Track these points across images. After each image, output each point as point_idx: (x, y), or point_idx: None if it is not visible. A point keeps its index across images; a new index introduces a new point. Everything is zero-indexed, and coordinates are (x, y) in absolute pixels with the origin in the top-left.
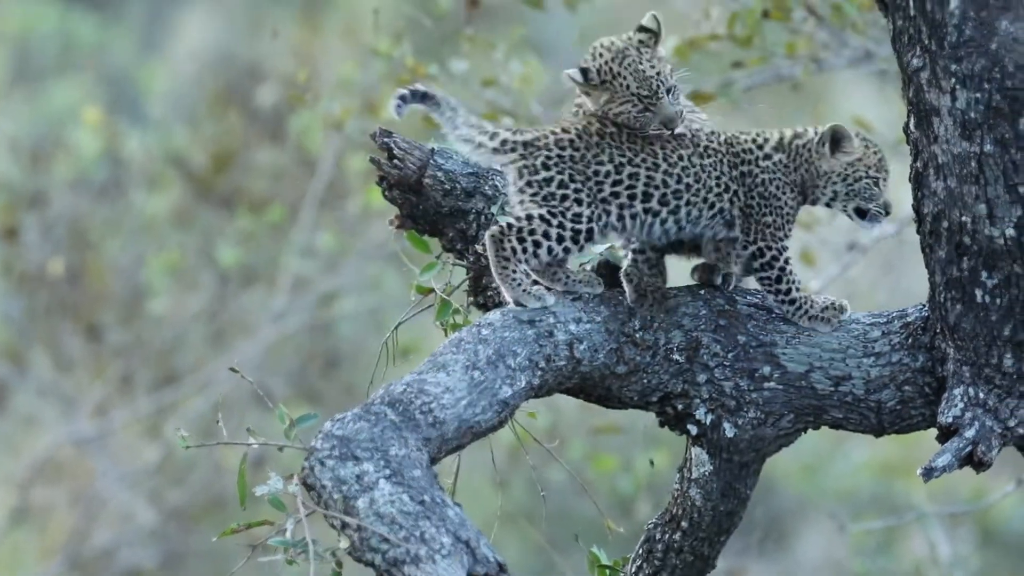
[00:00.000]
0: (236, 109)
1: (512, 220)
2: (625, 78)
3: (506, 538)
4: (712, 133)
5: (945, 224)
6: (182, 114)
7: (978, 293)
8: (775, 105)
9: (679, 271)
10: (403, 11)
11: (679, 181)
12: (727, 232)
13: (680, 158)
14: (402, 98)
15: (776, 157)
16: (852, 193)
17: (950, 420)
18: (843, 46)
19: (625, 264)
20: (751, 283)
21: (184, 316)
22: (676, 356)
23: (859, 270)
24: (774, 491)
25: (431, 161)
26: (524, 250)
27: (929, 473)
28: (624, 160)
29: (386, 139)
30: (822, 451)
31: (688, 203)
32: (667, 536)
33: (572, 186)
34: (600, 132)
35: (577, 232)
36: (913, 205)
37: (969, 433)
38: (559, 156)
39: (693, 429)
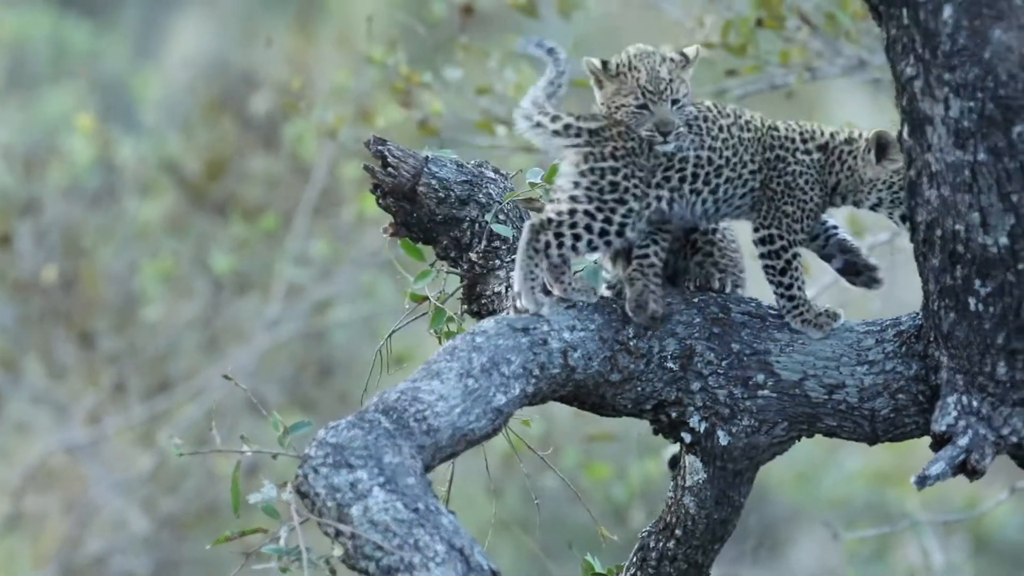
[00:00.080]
0: (230, 116)
1: (554, 214)
2: (639, 71)
3: (500, 546)
4: (757, 115)
5: (939, 232)
6: (176, 121)
7: (971, 301)
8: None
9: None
10: (397, 19)
11: (720, 155)
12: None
13: (721, 129)
14: (538, 44)
15: (816, 155)
16: (898, 200)
17: (944, 428)
18: (837, 55)
19: (630, 269)
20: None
21: (177, 323)
22: (670, 364)
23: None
24: (768, 499)
25: (425, 169)
26: (560, 244)
27: (923, 481)
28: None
29: (380, 147)
30: (816, 459)
31: (726, 180)
32: (661, 544)
33: (632, 181)
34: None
35: (622, 226)
36: (907, 214)
37: (963, 441)
38: (624, 147)
39: (687, 437)
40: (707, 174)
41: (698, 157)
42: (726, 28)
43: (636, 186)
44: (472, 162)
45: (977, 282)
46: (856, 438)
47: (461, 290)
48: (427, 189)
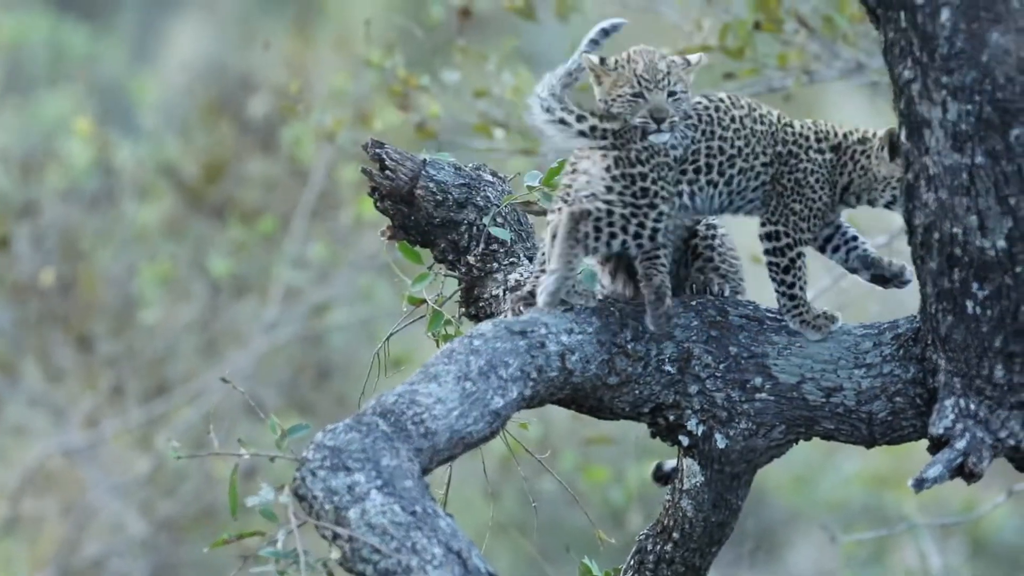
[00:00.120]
0: (228, 120)
1: (594, 208)
2: (636, 62)
3: (498, 549)
4: (775, 111)
5: (936, 236)
6: (174, 124)
7: (969, 304)
8: None
9: None
10: (395, 22)
11: (732, 145)
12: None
13: (733, 119)
14: (604, 30)
15: (828, 155)
16: None
17: (941, 431)
18: (835, 58)
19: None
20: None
21: (176, 326)
22: (668, 367)
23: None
24: (765, 502)
25: (423, 172)
26: (597, 239)
27: (920, 484)
28: (689, 134)
29: (378, 150)
30: (813, 462)
31: (740, 171)
32: (658, 547)
33: (659, 184)
34: None
35: (655, 231)
36: (904, 216)
37: (960, 444)
38: (647, 148)
39: (684, 440)
40: (720, 164)
41: (709, 147)
42: (724, 31)
43: (663, 188)
44: (470, 165)
45: (975, 285)
46: (854, 441)
47: (459, 293)
48: (425, 192)
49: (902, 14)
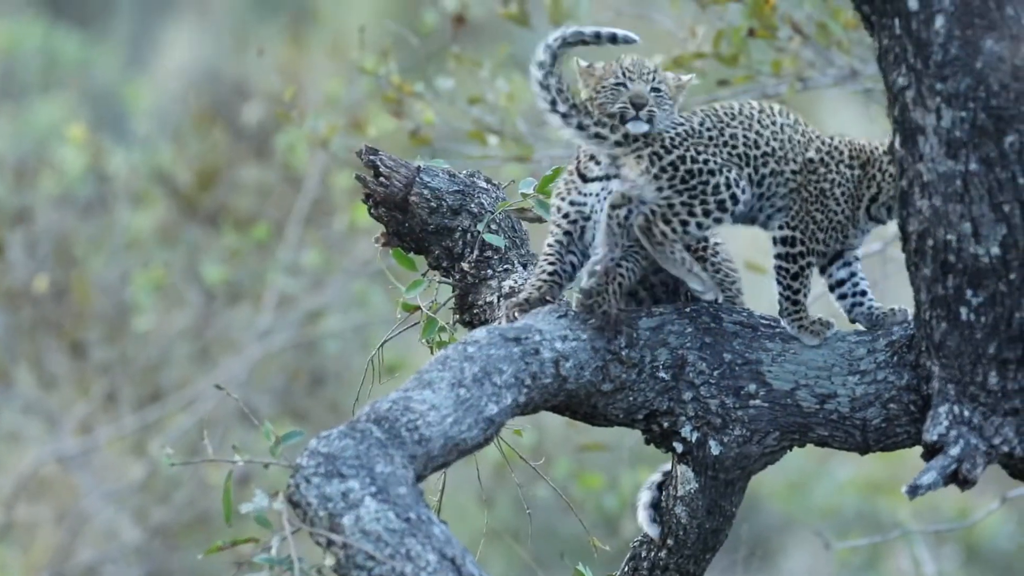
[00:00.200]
0: (221, 126)
1: (655, 207)
2: (624, 60)
3: (492, 556)
4: (818, 131)
5: (930, 242)
6: (167, 131)
7: (963, 311)
8: None
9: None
10: (389, 29)
11: (768, 143)
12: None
13: (772, 123)
14: (613, 35)
15: (857, 171)
16: None
17: (935, 438)
18: (829, 65)
19: (591, 281)
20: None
21: (169, 333)
22: (662, 374)
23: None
24: (759, 508)
25: (417, 179)
26: (673, 230)
27: (914, 491)
28: (724, 125)
29: (372, 157)
30: (807, 469)
31: (772, 172)
32: (653, 554)
33: (701, 157)
34: (704, 109)
35: (721, 202)
36: (899, 223)
37: (954, 451)
38: (677, 134)
39: (679, 447)
40: (755, 158)
41: (746, 137)
42: (718, 38)
43: (710, 160)
44: (464, 172)
45: (969, 292)
46: (848, 448)
47: (453, 300)
48: (419, 199)
49: (896, 21)
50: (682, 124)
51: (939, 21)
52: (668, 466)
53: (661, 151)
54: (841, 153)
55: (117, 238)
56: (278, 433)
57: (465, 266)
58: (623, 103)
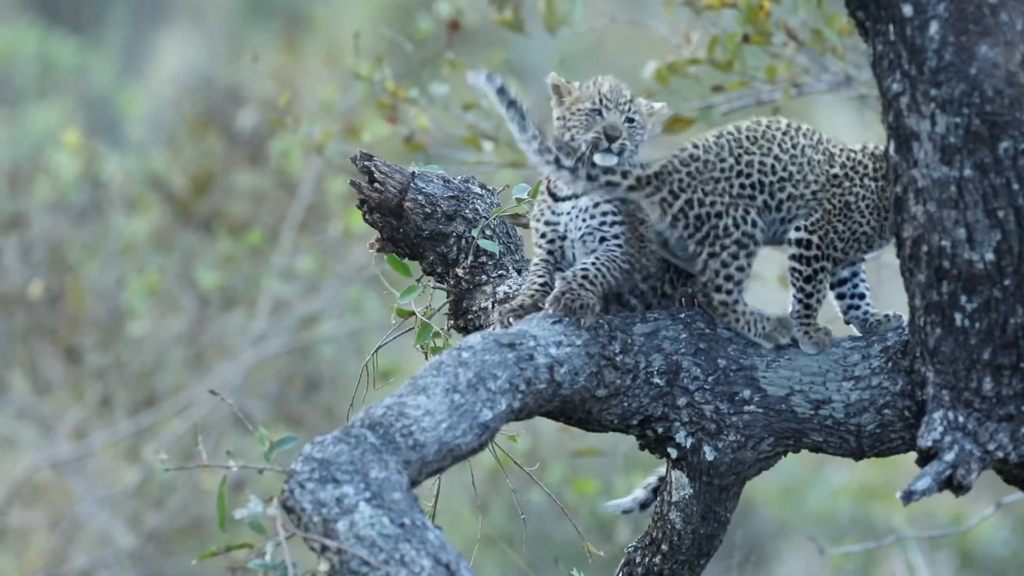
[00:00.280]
0: (216, 132)
1: (702, 280)
2: (601, 83)
3: (486, 561)
4: (833, 141)
5: (925, 248)
6: (162, 137)
7: (957, 317)
8: None
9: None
10: (383, 35)
11: (785, 168)
12: None
13: (793, 145)
14: (488, 78)
15: (880, 182)
16: None
17: (930, 444)
18: (823, 71)
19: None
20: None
21: (164, 339)
22: (656, 379)
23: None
24: (754, 514)
25: (412, 184)
26: (728, 291)
27: (909, 496)
28: (742, 151)
29: (367, 162)
30: (802, 474)
31: (790, 196)
32: (647, 559)
33: (708, 200)
34: (718, 135)
35: (738, 241)
36: (891, 231)
37: (948, 457)
38: (687, 174)
39: (673, 452)
40: (770, 184)
41: (762, 164)
42: (712, 44)
43: (713, 203)
44: (459, 177)
45: (963, 298)
46: (842, 453)
47: (447, 305)
48: (414, 204)
49: (891, 27)
50: (695, 157)
51: (933, 27)
52: (663, 470)
53: (670, 197)
54: (865, 167)
55: (112, 243)
56: (272, 438)
57: (459, 272)
58: (596, 133)
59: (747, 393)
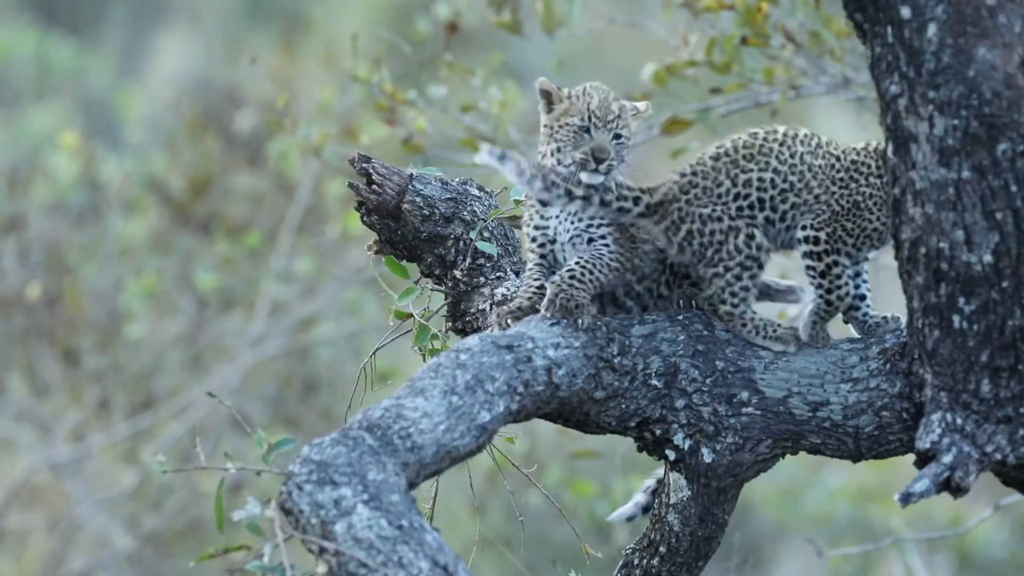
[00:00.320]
0: (214, 134)
1: (707, 293)
2: (591, 96)
3: (484, 563)
4: (834, 143)
5: (923, 250)
6: (160, 139)
7: (956, 319)
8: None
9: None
10: (382, 37)
11: (784, 180)
12: None
13: (792, 155)
14: (490, 153)
15: (885, 178)
16: None
17: (928, 446)
18: (821, 73)
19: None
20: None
21: (162, 341)
22: (654, 381)
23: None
24: (752, 516)
25: (410, 187)
26: (734, 304)
27: (907, 499)
28: (738, 171)
29: (365, 164)
30: (800, 476)
31: (793, 206)
32: (645, 561)
33: (707, 228)
34: (715, 156)
35: (742, 263)
36: (891, 231)
37: (947, 459)
38: (686, 202)
39: (671, 454)
40: (771, 198)
41: (760, 180)
42: (710, 46)
43: (722, 224)
44: (457, 180)
45: (961, 300)
46: (840, 455)
47: (445, 307)
48: (412, 207)
49: (889, 29)
50: (693, 184)
51: (932, 29)
52: (661, 472)
53: (673, 227)
54: (868, 167)
55: (110, 246)
56: (270, 440)
57: (458, 274)
58: (585, 154)
59: (745, 395)
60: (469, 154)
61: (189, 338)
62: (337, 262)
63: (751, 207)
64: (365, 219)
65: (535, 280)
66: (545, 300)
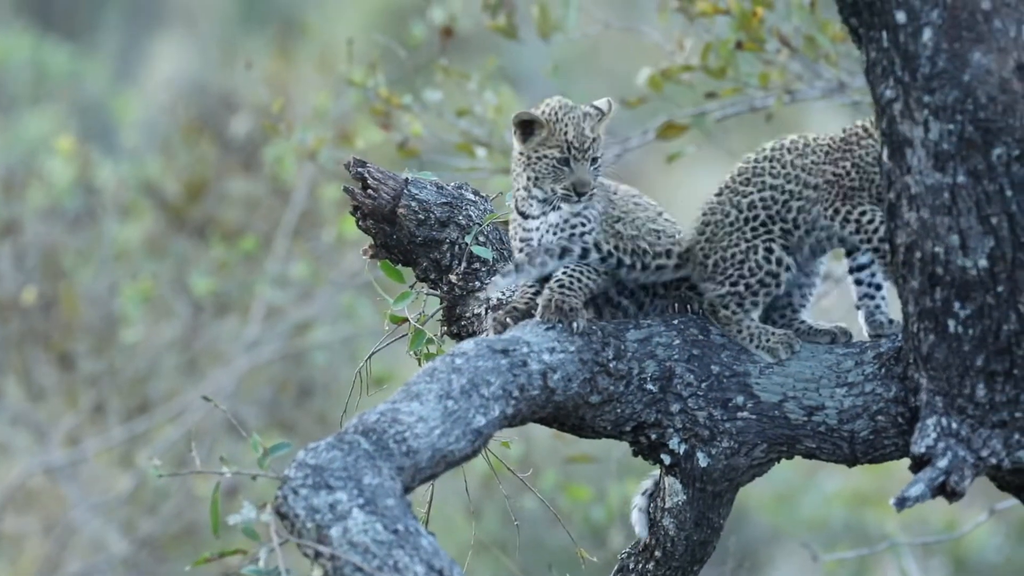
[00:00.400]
0: (209, 138)
1: (714, 297)
2: (566, 125)
3: (479, 568)
4: (822, 135)
5: (918, 255)
6: (155, 143)
7: (951, 323)
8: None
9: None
10: (377, 41)
11: (782, 191)
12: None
13: (783, 166)
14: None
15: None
16: None
17: (923, 450)
18: (816, 77)
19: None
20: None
21: (157, 345)
22: (650, 386)
23: (832, 300)
24: (747, 520)
25: (405, 191)
26: (735, 312)
27: (902, 503)
28: (740, 198)
29: (360, 169)
30: (795, 481)
31: (799, 210)
32: (640, 566)
33: (728, 253)
34: (718, 192)
35: (761, 280)
36: (886, 235)
37: (942, 463)
38: (706, 241)
39: (666, 459)
40: (777, 212)
41: (763, 199)
42: (706, 51)
43: (736, 244)
44: (452, 184)
45: (956, 304)
46: (835, 460)
47: (441, 312)
48: (407, 211)
49: (884, 34)
50: (707, 223)
51: (927, 34)
52: (657, 473)
53: (700, 268)
54: (858, 135)
55: (105, 250)
56: (266, 445)
57: (453, 278)
58: (567, 189)
59: (740, 399)
60: (465, 159)
61: (184, 342)
62: (332, 266)
63: (763, 224)
64: (360, 223)
65: (530, 286)
66: (540, 304)
